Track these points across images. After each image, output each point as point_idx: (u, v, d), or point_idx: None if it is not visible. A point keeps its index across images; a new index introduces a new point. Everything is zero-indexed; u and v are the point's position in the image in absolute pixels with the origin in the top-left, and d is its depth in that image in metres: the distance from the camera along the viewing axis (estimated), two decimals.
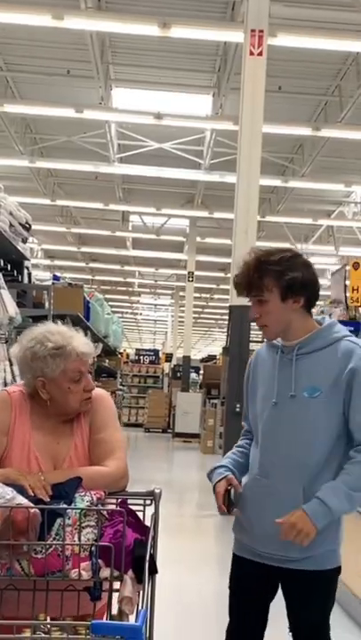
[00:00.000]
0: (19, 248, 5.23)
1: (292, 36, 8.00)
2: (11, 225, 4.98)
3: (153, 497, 2.25)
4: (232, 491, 2.42)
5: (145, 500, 2.27)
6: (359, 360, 2.34)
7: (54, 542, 2.05)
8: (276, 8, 7.69)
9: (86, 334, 2.46)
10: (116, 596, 2.08)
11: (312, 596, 2.41)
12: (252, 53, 7.43)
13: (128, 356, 28.22)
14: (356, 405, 2.34)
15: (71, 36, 9.47)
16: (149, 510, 2.26)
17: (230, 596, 2.54)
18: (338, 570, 2.45)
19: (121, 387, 21.27)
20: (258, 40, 7.38)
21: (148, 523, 2.22)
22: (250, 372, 2.57)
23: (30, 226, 5.50)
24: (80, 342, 2.33)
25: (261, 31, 7.45)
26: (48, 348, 2.28)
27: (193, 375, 23.64)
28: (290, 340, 2.42)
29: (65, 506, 2.09)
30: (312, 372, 2.37)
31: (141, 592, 2.05)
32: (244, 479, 2.50)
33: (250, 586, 2.49)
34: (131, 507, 2.24)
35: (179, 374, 22.12)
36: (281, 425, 2.38)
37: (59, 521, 2.08)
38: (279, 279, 2.35)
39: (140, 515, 2.24)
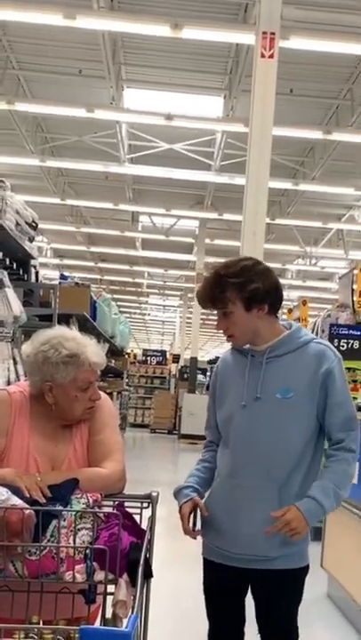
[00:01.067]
0: (25, 247, 5.22)
1: (303, 38, 7.95)
2: (17, 224, 4.97)
3: (150, 500, 2.24)
4: (198, 512, 2.43)
5: (142, 502, 2.26)
6: (332, 361, 2.41)
7: (49, 544, 2.04)
8: (289, 10, 7.66)
9: (95, 337, 2.45)
10: (110, 599, 2.07)
11: (283, 595, 2.43)
12: (263, 56, 7.39)
13: (135, 356, 28.22)
14: (333, 405, 2.39)
15: (83, 35, 9.47)
16: (147, 513, 2.25)
17: (206, 601, 2.54)
18: (307, 568, 2.48)
19: (127, 387, 21.28)
20: (269, 42, 7.34)
21: (144, 526, 2.21)
22: (216, 378, 2.59)
23: (37, 224, 5.49)
24: (93, 352, 2.32)
25: (273, 33, 7.41)
26: (62, 354, 2.27)
27: (200, 377, 23.60)
28: (259, 344, 2.45)
29: (60, 507, 2.08)
30: (285, 374, 2.40)
31: (136, 596, 2.04)
32: (215, 483, 2.51)
33: (224, 588, 2.49)
34: (128, 509, 2.23)
35: (186, 375, 22.11)
36: (254, 426, 2.39)
37: (54, 522, 2.07)
38: (241, 291, 2.37)
39: (137, 518, 2.23)
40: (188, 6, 8.62)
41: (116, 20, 8.39)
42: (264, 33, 7.37)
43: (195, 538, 2.45)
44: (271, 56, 7.34)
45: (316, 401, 2.39)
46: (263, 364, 2.42)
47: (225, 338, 2.50)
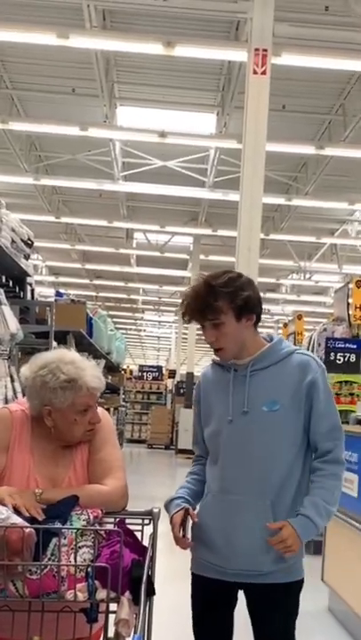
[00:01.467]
0: (21, 264, 5.23)
1: (295, 55, 8.00)
2: (13, 241, 4.98)
3: (152, 516, 2.23)
4: (188, 522, 2.41)
5: (143, 519, 2.25)
6: (316, 371, 2.41)
7: (49, 563, 2.02)
8: (281, 27, 7.72)
9: (92, 354, 2.44)
10: (112, 617, 2.05)
11: (278, 609, 2.42)
12: (255, 72, 7.45)
13: (132, 372, 28.17)
14: (318, 416, 2.40)
15: (76, 54, 9.53)
16: (148, 530, 2.23)
17: (195, 617, 2.51)
18: (302, 581, 2.46)
19: (124, 403, 21.23)
20: (262, 59, 7.40)
21: (146, 543, 2.20)
22: (200, 395, 2.58)
23: (32, 242, 5.50)
24: (92, 376, 2.31)
25: (265, 50, 7.48)
26: (60, 379, 2.25)
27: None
28: (242, 357, 2.45)
29: (60, 525, 2.07)
30: (269, 387, 2.40)
31: (139, 614, 2.02)
32: (205, 498, 2.50)
33: (215, 603, 2.47)
34: (129, 526, 2.21)
35: (182, 391, 22.08)
36: (242, 441, 2.39)
37: (54, 541, 2.04)
38: (233, 300, 2.38)
39: (138, 535, 2.22)
40: (180, 24, 8.69)
41: (108, 39, 8.44)
42: (256, 50, 7.43)
43: (185, 548, 2.43)
44: (264, 72, 7.40)
45: (303, 412, 2.39)
46: (247, 378, 2.41)
47: (213, 351, 2.49)
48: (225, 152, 12.03)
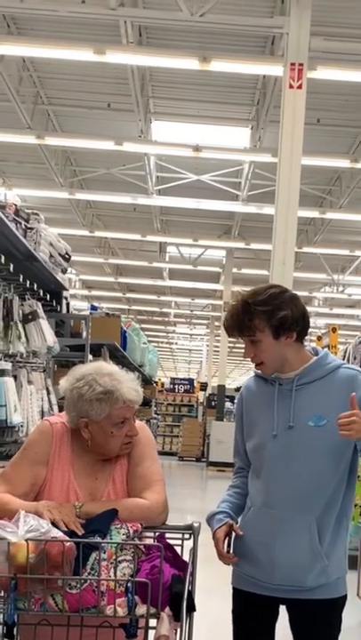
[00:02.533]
0: (58, 278, 5.27)
1: (331, 69, 8.01)
2: (51, 255, 5.03)
3: (192, 531, 2.21)
4: (232, 537, 2.39)
5: (183, 534, 2.23)
6: None
7: (89, 577, 2.01)
8: (316, 42, 7.73)
9: (125, 367, 2.43)
10: (152, 633, 2.03)
11: (322, 624, 2.38)
12: (291, 87, 7.45)
13: (163, 384, 28.17)
14: None
15: (112, 70, 9.64)
16: (188, 544, 2.21)
17: (236, 632, 2.48)
18: (345, 597, 2.43)
19: (155, 415, 21.23)
20: (298, 73, 7.41)
21: (186, 557, 2.18)
22: (242, 407, 2.56)
23: (70, 256, 5.55)
24: (129, 388, 2.29)
25: (301, 64, 7.48)
26: (96, 391, 2.24)
27: (228, 404, 23.47)
28: (286, 372, 2.43)
29: (100, 539, 2.06)
30: (316, 402, 2.37)
31: (179, 630, 2.00)
32: (248, 512, 2.47)
33: (256, 618, 2.44)
34: (169, 541, 2.20)
35: (213, 403, 22.00)
36: (287, 456, 2.36)
37: (94, 555, 2.03)
38: (270, 319, 2.36)
39: (177, 549, 2.20)
40: (215, 39, 8.73)
41: (145, 55, 8.52)
42: (292, 64, 7.44)
43: (228, 563, 2.41)
44: (300, 87, 7.40)
45: None
46: (293, 392, 2.39)
47: (253, 365, 2.47)
48: (259, 166, 12.03)
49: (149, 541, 2.17)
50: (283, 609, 2.45)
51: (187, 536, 2.21)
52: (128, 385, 2.30)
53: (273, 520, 2.36)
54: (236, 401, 2.64)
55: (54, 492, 2.26)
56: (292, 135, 7.43)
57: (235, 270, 18.62)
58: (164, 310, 26.37)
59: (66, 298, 6.27)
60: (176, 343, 34.35)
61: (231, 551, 2.41)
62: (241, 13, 8.00)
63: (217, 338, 25.00)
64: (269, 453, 2.40)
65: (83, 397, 2.25)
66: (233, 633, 2.49)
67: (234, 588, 2.49)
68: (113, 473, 2.33)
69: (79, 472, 2.31)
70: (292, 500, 2.35)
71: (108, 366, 2.36)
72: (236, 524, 2.45)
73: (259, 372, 2.51)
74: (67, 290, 6.02)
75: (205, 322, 27.66)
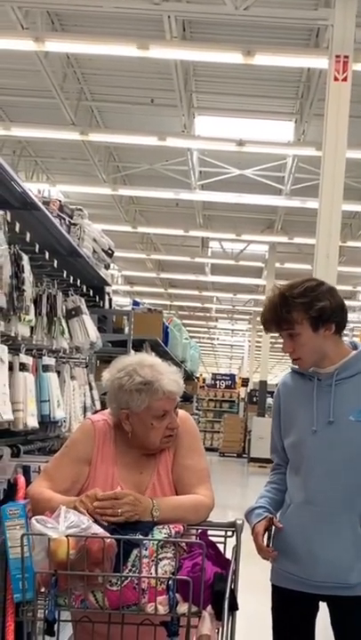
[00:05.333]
0: (101, 274, 5.29)
1: None
2: (94, 251, 5.04)
3: (235, 528, 2.18)
4: (271, 531, 2.37)
5: (226, 531, 2.21)
6: None
7: (130, 574, 2.00)
8: None
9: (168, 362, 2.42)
10: (194, 632, 2.02)
11: None
12: (336, 79, 7.35)
13: (204, 380, 28.17)
14: None
15: (155, 65, 9.63)
16: (230, 542, 2.19)
17: (276, 629, 2.47)
18: None
19: (197, 411, 21.26)
20: (343, 66, 7.31)
21: (228, 555, 2.15)
22: (280, 403, 2.53)
23: (113, 252, 5.56)
24: (169, 380, 2.27)
25: (346, 57, 7.38)
26: (135, 382, 2.23)
27: (269, 400, 23.36)
28: (325, 366, 2.40)
29: (141, 537, 2.05)
30: (356, 396, 2.34)
31: (221, 629, 1.98)
32: (288, 509, 2.45)
33: (297, 616, 2.42)
34: (211, 538, 2.18)
35: (255, 399, 21.96)
36: (328, 451, 2.34)
37: (135, 552, 2.02)
38: (308, 311, 2.33)
39: (220, 547, 2.18)
40: (259, 33, 8.65)
41: (188, 49, 8.50)
42: (337, 56, 7.35)
43: (267, 558, 2.39)
44: (345, 79, 7.31)
45: None
46: (332, 387, 2.36)
47: (291, 361, 2.46)
48: (303, 159, 11.91)
49: (192, 539, 2.15)
50: (322, 605, 2.43)
51: (229, 533, 2.18)
52: (169, 377, 2.28)
53: (314, 517, 2.34)
54: (273, 398, 2.62)
55: (98, 487, 2.26)
56: (337, 128, 7.34)
57: (277, 265, 18.48)
58: (206, 305, 26.33)
59: (108, 294, 6.28)
60: (217, 339, 34.28)
61: (271, 545, 2.39)
62: (285, 6, 7.91)
63: (259, 333, 24.87)
64: (309, 449, 2.37)
65: (123, 388, 2.25)
66: (273, 630, 2.48)
67: (273, 586, 2.47)
68: (158, 466, 2.32)
69: (123, 467, 2.30)
70: (334, 497, 2.33)
71: (150, 358, 2.36)
72: (276, 518, 2.43)
73: (296, 367, 2.49)
74: (109, 285, 6.04)
75: (247, 317, 27.53)
